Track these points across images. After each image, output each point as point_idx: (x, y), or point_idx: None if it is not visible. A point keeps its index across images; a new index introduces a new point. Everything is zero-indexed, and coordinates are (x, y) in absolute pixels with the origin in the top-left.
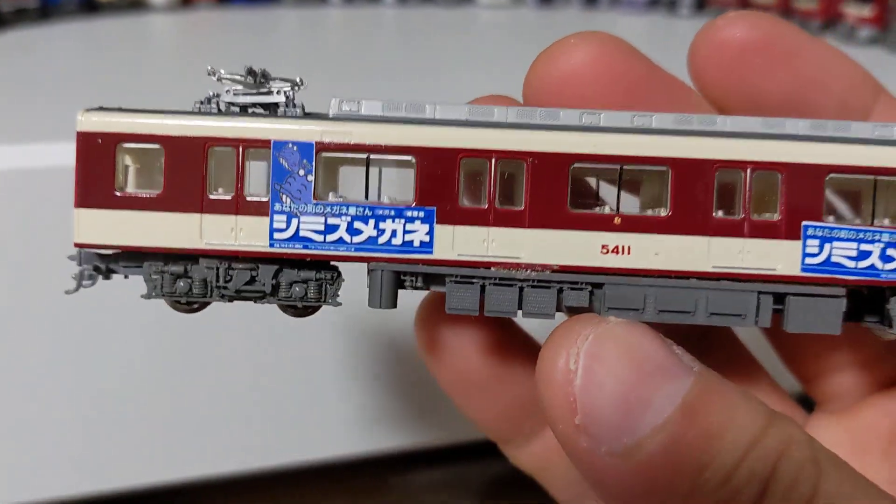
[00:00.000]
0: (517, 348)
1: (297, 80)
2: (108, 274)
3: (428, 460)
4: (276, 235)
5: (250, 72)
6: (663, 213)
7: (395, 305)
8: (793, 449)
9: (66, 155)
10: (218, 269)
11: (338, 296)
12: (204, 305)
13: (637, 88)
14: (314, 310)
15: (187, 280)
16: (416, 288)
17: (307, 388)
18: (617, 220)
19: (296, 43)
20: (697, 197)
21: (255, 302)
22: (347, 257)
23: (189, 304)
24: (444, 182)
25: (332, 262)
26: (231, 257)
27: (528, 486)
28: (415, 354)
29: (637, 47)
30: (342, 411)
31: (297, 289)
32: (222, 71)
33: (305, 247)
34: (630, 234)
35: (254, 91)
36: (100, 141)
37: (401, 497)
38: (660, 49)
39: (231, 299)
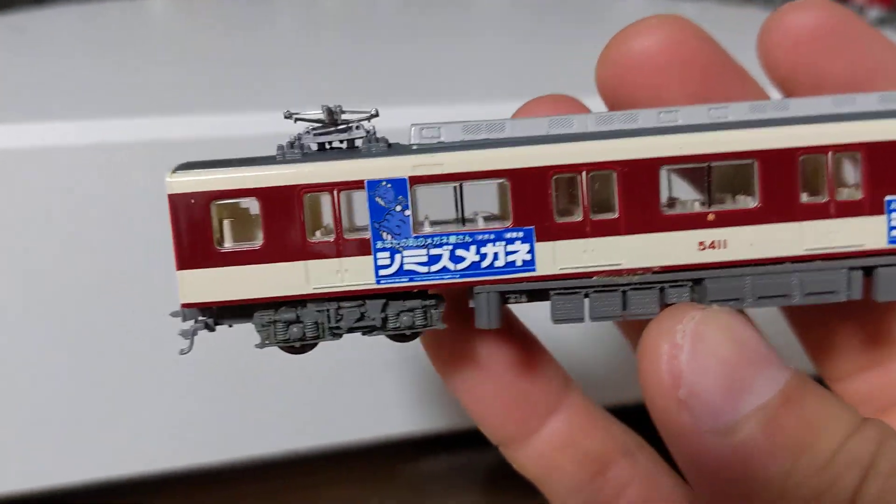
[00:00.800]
0: (521, 344)
1: (373, 111)
2: (213, 327)
3: (435, 448)
4: (382, 272)
5: (327, 110)
6: (753, 203)
7: (501, 324)
8: (891, 439)
9: (51, 135)
10: (328, 311)
11: (441, 318)
12: (314, 346)
13: (709, 74)
14: (419, 334)
15: (299, 325)
16: (520, 302)
17: (316, 374)
18: (710, 217)
19: (299, 25)
20: (784, 185)
21: (363, 334)
22: (453, 284)
23: (302, 348)
24: (538, 200)
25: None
26: (340, 298)
27: (521, 476)
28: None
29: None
30: (352, 397)
31: (405, 318)
32: (300, 112)
33: (411, 279)
34: (724, 228)
35: (332, 129)
36: (193, 201)
37: (408, 484)
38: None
39: (339, 336)
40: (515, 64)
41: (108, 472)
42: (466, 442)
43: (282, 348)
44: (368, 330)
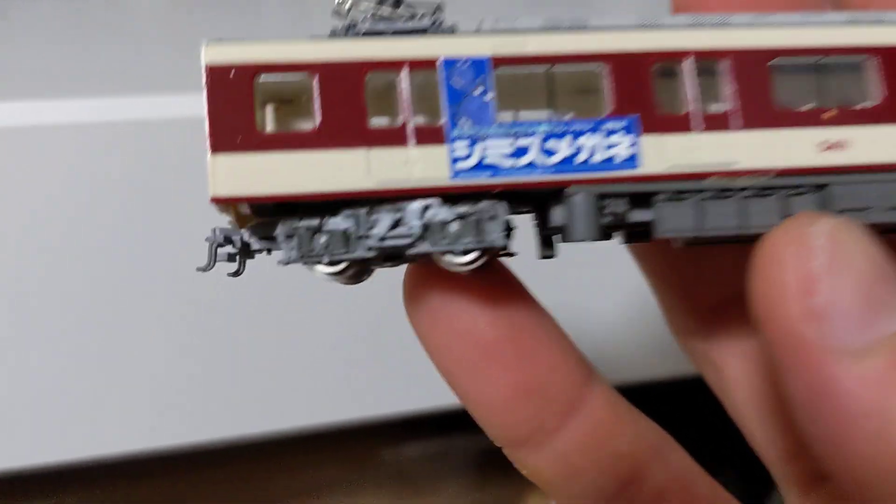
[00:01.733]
0: (527, 316)
1: (439, 3)
2: (251, 252)
3: (419, 432)
4: (458, 165)
5: None
6: (872, 102)
7: (599, 237)
8: None
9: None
10: (358, 216)
11: (501, 234)
12: (365, 272)
13: None
14: (489, 260)
15: (327, 234)
16: (615, 214)
17: (297, 354)
18: (830, 114)
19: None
20: None
21: (407, 258)
22: (543, 183)
23: (334, 264)
24: (639, 88)
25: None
26: (387, 199)
27: (509, 461)
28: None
29: None
30: (332, 377)
31: (455, 228)
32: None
33: (493, 174)
34: (845, 127)
35: (393, 16)
36: (233, 75)
37: (393, 468)
38: None
39: (384, 256)
40: None
41: (92, 451)
42: (449, 426)
43: (311, 267)
44: (407, 243)
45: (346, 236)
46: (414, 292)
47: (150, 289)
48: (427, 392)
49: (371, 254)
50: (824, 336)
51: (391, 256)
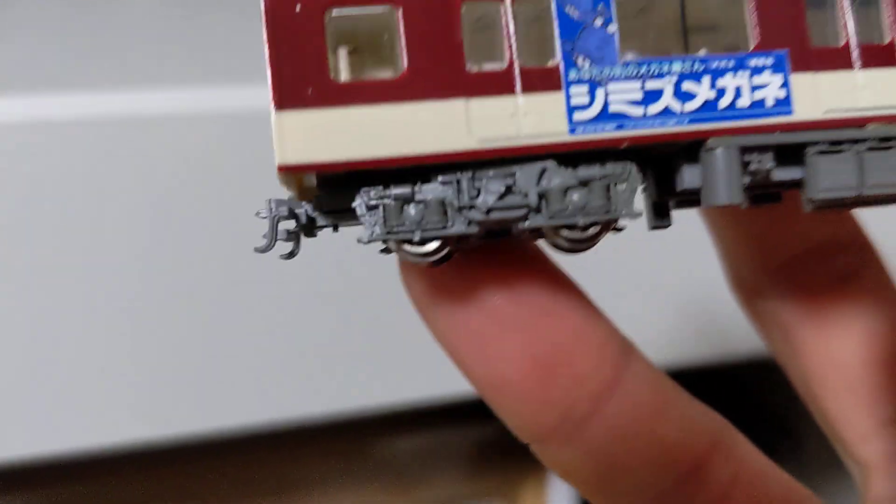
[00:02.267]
0: (563, 296)
1: None
2: (312, 229)
3: (411, 426)
4: (578, 116)
5: None
6: None
7: (744, 199)
8: None
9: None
10: (459, 181)
11: (633, 202)
12: (456, 249)
13: None
14: (603, 232)
15: (418, 206)
16: (758, 174)
17: (287, 346)
18: None
19: None
20: None
21: (514, 231)
22: (681, 134)
23: (423, 243)
24: (788, 13)
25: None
26: (495, 162)
27: (509, 452)
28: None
29: None
30: (325, 370)
31: (576, 196)
32: None
33: (620, 126)
34: None
35: None
36: (299, 9)
37: (384, 460)
38: None
39: (483, 226)
40: None
41: (88, 442)
42: (442, 419)
43: (397, 247)
44: (520, 215)
45: (443, 207)
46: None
47: (146, 282)
48: (420, 385)
49: (473, 229)
50: None
51: (495, 232)
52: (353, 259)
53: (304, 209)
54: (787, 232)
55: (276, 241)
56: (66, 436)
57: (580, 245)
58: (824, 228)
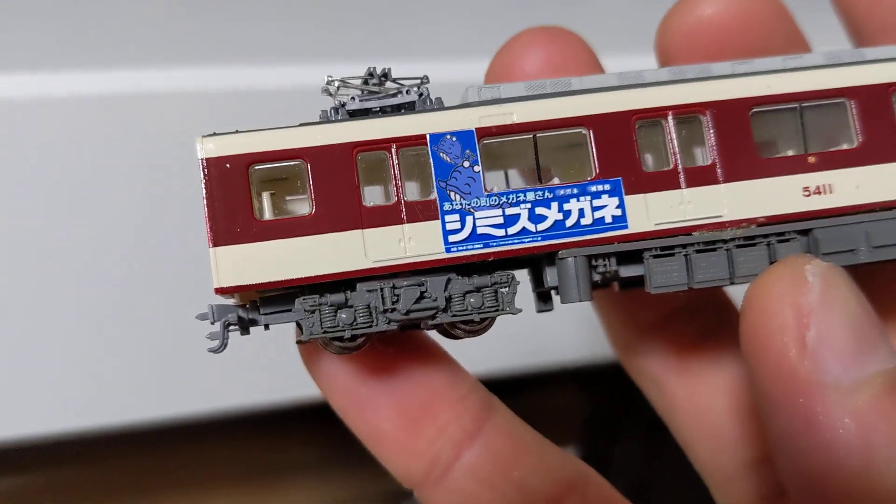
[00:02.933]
0: (423, 357)
1: (423, 76)
2: (246, 328)
3: None
4: (452, 238)
5: (371, 74)
6: (849, 145)
7: (591, 297)
8: None
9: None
10: (381, 291)
11: (514, 302)
12: (366, 341)
13: (767, 32)
14: (490, 323)
15: (349, 310)
16: (607, 273)
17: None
18: (811, 160)
19: None
20: (883, 122)
21: (422, 326)
22: (535, 248)
23: (352, 339)
24: (622, 149)
25: (497, 267)
26: (391, 276)
27: None
28: None
29: None
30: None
31: (473, 300)
32: (340, 79)
33: (486, 245)
34: (827, 171)
35: (379, 94)
36: (228, 166)
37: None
38: None
39: (400, 324)
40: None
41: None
42: None
43: (333, 350)
44: (429, 314)
45: (369, 310)
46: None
47: (133, 271)
48: None
49: (393, 326)
50: (816, 371)
51: (407, 327)
52: None
53: (237, 313)
54: (651, 297)
55: (226, 342)
56: (51, 419)
57: (474, 333)
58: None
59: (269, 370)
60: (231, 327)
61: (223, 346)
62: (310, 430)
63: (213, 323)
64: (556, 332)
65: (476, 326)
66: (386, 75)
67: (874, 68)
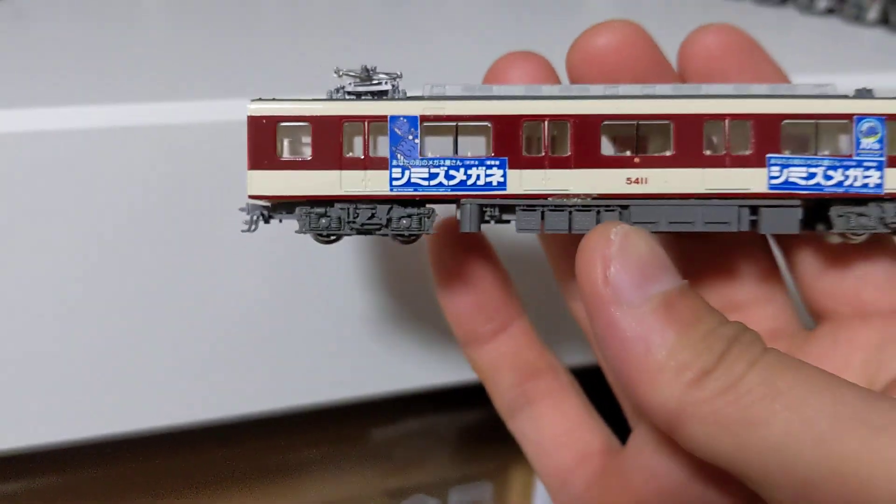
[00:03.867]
0: (496, 273)
1: (398, 72)
2: (268, 219)
3: (404, 411)
4: (394, 183)
5: (364, 69)
6: (668, 153)
7: (479, 230)
8: (748, 329)
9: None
10: (349, 209)
11: (431, 227)
12: (338, 238)
13: (646, 64)
14: (416, 238)
15: (327, 218)
16: (493, 217)
17: (287, 336)
18: (636, 160)
19: (283, 5)
20: (692, 141)
21: (373, 234)
22: (445, 196)
23: (328, 237)
24: (511, 139)
25: (428, 203)
26: (358, 201)
27: (492, 436)
28: (396, 301)
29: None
30: (322, 360)
31: (405, 221)
32: (343, 69)
33: (415, 189)
34: (646, 169)
35: (368, 82)
36: (264, 121)
37: (380, 445)
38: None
39: (358, 232)
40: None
41: (96, 431)
42: (435, 405)
43: (315, 238)
44: (376, 227)
45: (339, 220)
46: (437, 251)
47: (144, 279)
48: (413, 373)
49: (353, 232)
50: (615, 294)
51: (363, 232)
52: (344, 259)
53: (264, 211)
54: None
55: (255, 225)
56: (57, 426)
57: (408, 243)
58: None
59: (275, 379)
60: (258, 217)
61: (253, 226)
62: (316, 432)
63: (248, 213)
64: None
65: (408, 240)
66: (375, 69)
67: (694, 102)
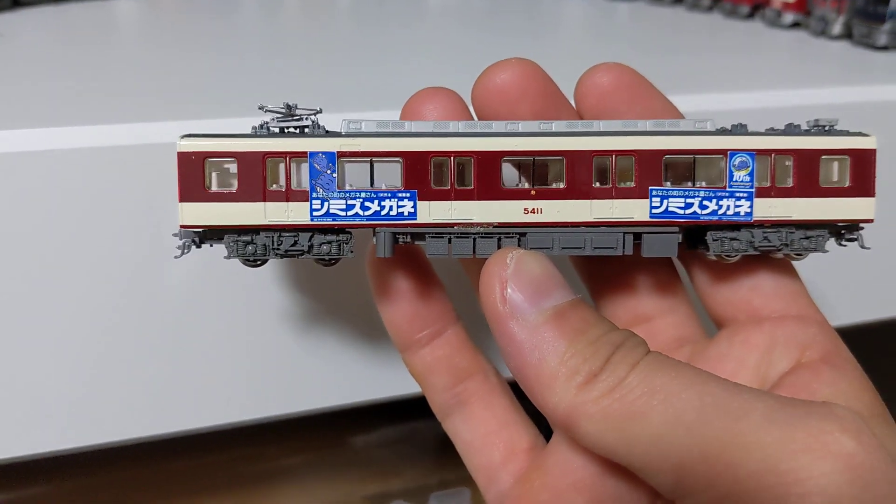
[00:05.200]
0: (429, 285)
1: (318, 108)
2: (199, 245)
3: (380, 419)
4: (315, 213)
5: (286, 105)
6: (561, 185)
7: (393, 254)
8: (633, 335)
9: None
10: (273, 237)
11: (352, 251)
12: (264, 262)
13: (543, 101)
14: (336, 261)
15: (253, 245)
16: (406, 242)
17: (263, 345)
18: (533, 192)
19: (257, 26)
20: (583, 174)
21: (296, 258)
22: (361, 225)
23: (254, 261)
24: (421, 173)
25: (347, 229)
26: (282, 230)
27: None
28: (365, 310)
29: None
30: (301, 368)
31: (325, 247)
32: (268, 106)
33: (334, 219)
34: (541, 200)
35: (289, 118)
36: (193, 157)
37: (359, 452)
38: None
39: (281, 257)
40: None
41: (83, 441)
42: (413, 412)
43: (243, 263)
44: (300, 253)
45: (265, 246)
46: (374, 266)
47: (128, 290)
48: (392, 380)
49: (277, 257)
50: (511, 311)
51: (286, 257)
52: (319, 271)
53: (195, 238)
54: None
55: (187, 250)
56: (49, 435)
57: (329, 265)
58: None
59: (252, 388)
60: (189, 243)
61: (186, 250)
62: (295, 440)
63: (181, 239)
64: None
65: (328, 263)
66: (296, 106)
67: (584, 140)
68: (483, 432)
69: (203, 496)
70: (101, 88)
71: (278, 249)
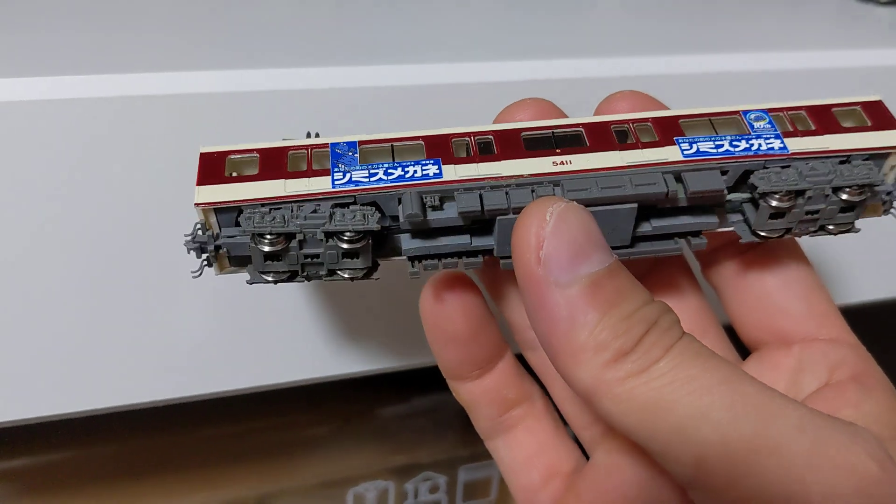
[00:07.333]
0: (481, 318)
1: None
2: (211, 264)
3: (409, 390)
4: (336, 181)
5: (308, 135)
6: (584, 146)
7: (424, 215)
8: (670, 311)
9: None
10: (291, 208)
11: (378, 224)
12: (290, 277)
13: None
14: (368, 271)
15: (271, 215)
16: (433, 207)
17: (287, 312)
18: (558, 150)
19: None
20: (604, 137)
21: (322, 279)
22: (386, 188)
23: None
24: (441, 147)
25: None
26: (302, 200)
27: None
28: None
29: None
30: (326, 335)
31: (348, 216)
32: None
33: (356, 185)
34: (568, 155)
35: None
36: (215, 155)
37: (383, 424)
38: None
39: (307, 279)
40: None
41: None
42: (443, 383)
43: (261, 276)
44: (322, 223)
45: (284, 217)
46: (429, 314)
47: (138, 254)
48: (420, 350)
49: (295, 229)
50: (546, 273)
51: (310, 279)
52: None
53: (212, 240)
54: None
55: (203, 269)
56: (67, 397)
57: (354, 275)
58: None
59: (279, 353)
60: (204, 262)
61: (200, 271)
62: (322, 409)
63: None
64: None
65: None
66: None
67: (599, 117)
68: (524, 455)
69: (229, 463)
70: (127, 37)
71: (295, 220)
